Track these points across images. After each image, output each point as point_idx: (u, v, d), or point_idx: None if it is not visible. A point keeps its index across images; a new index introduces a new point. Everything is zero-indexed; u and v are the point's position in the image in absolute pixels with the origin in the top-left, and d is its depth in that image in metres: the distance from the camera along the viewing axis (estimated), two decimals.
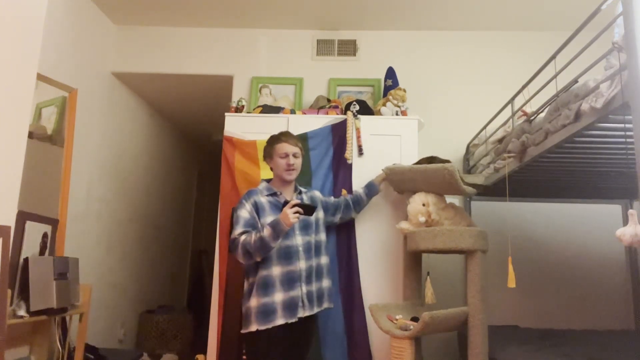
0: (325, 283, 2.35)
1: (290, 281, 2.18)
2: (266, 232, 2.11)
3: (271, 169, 2.43)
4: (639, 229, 1.41)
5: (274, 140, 2.40)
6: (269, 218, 2.23)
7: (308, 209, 2.13)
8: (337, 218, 2.60)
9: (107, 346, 3.52)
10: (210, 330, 2.70)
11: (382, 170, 2.69)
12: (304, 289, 2.21)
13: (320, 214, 2.44)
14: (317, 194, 2.55)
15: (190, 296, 5.60)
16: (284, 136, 2.39)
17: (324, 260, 2.37)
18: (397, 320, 2.34)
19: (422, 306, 2.58)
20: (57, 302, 2.38)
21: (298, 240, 2.26)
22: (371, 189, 2.68)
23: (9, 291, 1.93)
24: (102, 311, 3.57)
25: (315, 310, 2.26)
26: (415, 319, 2.36)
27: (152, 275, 4.60)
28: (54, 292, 2.37)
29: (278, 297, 2.16)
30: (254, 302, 2.17)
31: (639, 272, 3.24)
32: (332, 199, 2.62)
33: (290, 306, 2.16)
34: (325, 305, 2.33)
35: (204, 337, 2.85)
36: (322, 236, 2.40)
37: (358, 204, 2.65)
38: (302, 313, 2.19)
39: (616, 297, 3.27)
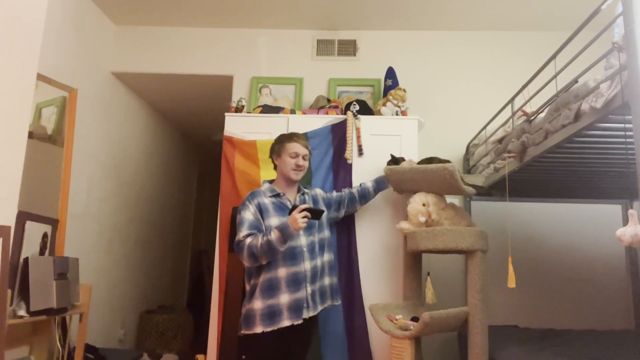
0: (327, 280, 2.34)
1: (295, 282, 2.17)
2: (274, 235, 2.09)
3: (274, 167, 2.41)
4: (639, 229, 1.41)
5: (285, 138, 2.39)
6: (273, 219, 2.22)
7: (316, 213, 2.14)
8: (341, 213, 2.60)
9: (107, 346, 3.52)
10: (210, 330, 2.70)
11: (383, 170, 2.69)
12: (309, 289, 2.20)
13: None
14: (318, 191, 2.54)
15: (190, 296, 5.60)
16: (296, 136, 2.39)
17: (327, 257, 2.36)
18: (397, 320, 2.34)
19: (422, 306, 2.58)
20: (57, 302, 2.38)
21: (303, 241, 2.24)
22: (380, 184, 2.66)
23: (9, 291, 1.93)
24: (102, 311, 3.57)
25: (319, 308, 2.24)
26: (415, 319, 2.36)
27: (152, 275, 4.60)
28: (54, 292, 2.37)
29: (284, 298, 2.15)
30: (258, 304, 2.15)
31: (639, 272, 3.24)
32: (334, 193, 2.61)
33: (296, 308, 2.15)
34: (329, 302, 2.32)
35: (204, 337, 2.85)
36: (326, 233, 2.40)
37: (364, 197, 2.64)
38: (307, 314, 2.18)
39: (616, 297, 3.27)
